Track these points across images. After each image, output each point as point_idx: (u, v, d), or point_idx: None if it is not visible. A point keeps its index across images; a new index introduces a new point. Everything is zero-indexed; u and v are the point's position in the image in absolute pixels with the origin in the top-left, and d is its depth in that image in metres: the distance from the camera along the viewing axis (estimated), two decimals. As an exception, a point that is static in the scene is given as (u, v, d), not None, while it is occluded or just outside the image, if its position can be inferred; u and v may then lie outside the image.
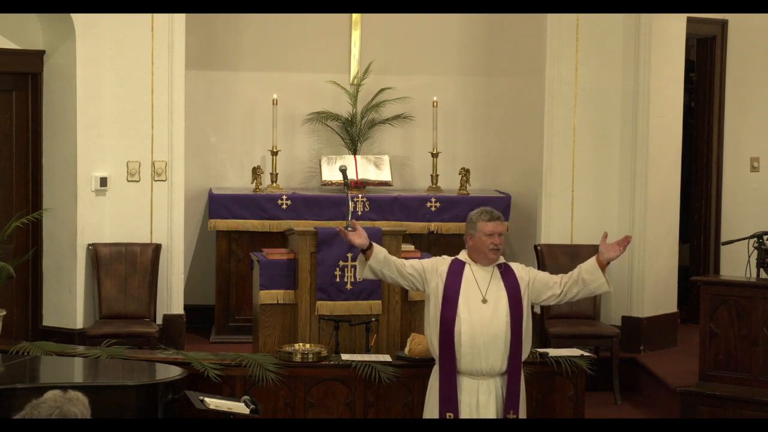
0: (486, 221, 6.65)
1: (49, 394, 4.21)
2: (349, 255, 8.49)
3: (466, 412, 6.61)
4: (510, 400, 6.60)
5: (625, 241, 6.74)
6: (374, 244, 6.81)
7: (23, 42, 9.49)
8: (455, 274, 6.66)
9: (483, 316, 6.56)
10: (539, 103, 10.08)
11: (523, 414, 6.72)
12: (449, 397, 6.60)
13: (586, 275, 6.71)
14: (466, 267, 6.69)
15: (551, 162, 9.98)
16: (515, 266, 6.77)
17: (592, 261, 6.73)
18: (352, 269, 8.52)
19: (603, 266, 6.71)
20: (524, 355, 6.70)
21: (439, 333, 6.61)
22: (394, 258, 6.83)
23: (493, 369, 6.59)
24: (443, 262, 6.76)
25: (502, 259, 6.78)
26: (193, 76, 10.28)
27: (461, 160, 10.90)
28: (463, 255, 6.75)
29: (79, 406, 4.20)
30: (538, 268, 9.60)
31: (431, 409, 6.71)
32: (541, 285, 6.73)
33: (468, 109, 11.09)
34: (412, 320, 8.66)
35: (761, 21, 10.47)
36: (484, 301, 6.61)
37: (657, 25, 9.81)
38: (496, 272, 6.69)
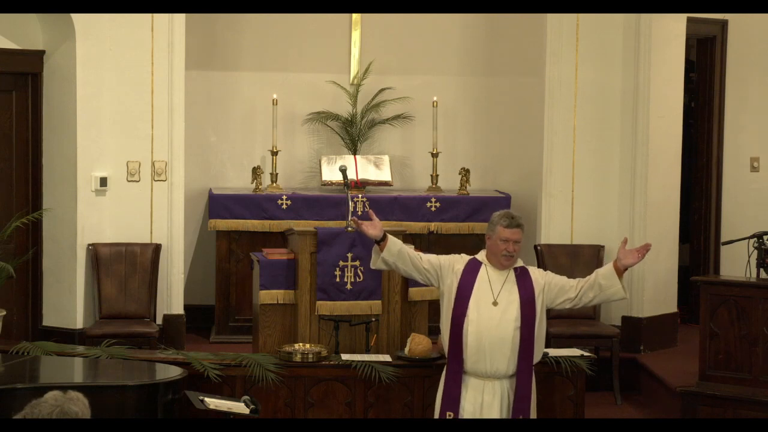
0: (504, 227, 6.62)
1: (49, 395, 4.21)
2: (349, 255, 8.49)
3: (470, 411, 6.61)
4: (519, 404, 6.58)
5: (644, 249, 6.67)
6: (389, 235, 6.79)
7: (23, 42, 9.49)
8: (470, 274, 6.65)
9: (491, 318, 6.55)
10: (539, 103, 10.08)
11: (533, 416, 6.71)
12: (452, 396, 6.59)
13: (603, 281, 6.67)
14: (482, 268, 6.67)
15: (551, 162, 9.99)
16: (533, 270, 6.76)
17: (609, 267, 6.70)
18: (353, 269, 8.51)
19: (620, 272, 6.67)
20: (536, 359, 6.69)
21: (450, 334, 6.62)
22: (410, 251, 6.80)
23: (497, 372, 6.58)
24: (460, 260, 6.75)
25: (520, 262, 6.76)
26: (193, 76, 10.28)
27: (461, 160, 10.90)
28: (481, 255, 6.75)
29: (79, 405, 4.20)
30: (539, 268, 9.63)
31: (438, 408, 6.73)
32: (557, 289, 6.71)
33: (468, 109, 11.09)
34: (412, 320, 8.65)
35: (761, 21, 10.47)
36: (495, 303, 6.58)
37: (657, 25, 9.81)
38: (512, 275, 6.67)
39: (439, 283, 6.76)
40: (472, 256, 6.77)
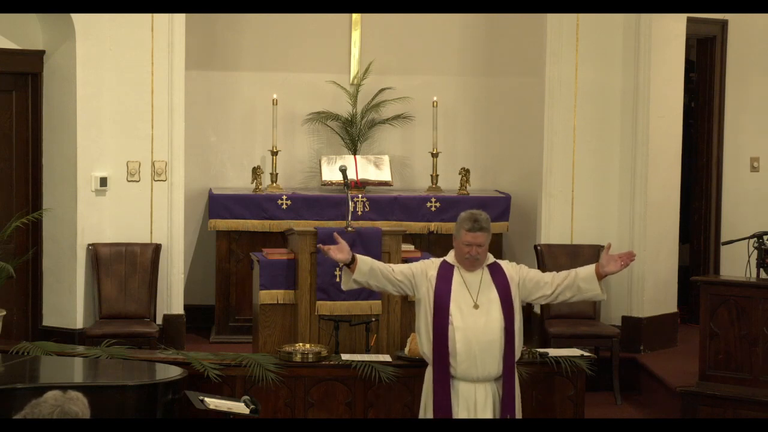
0: (467, 230, 6.49)
1: (49, 394, 4.20)
2: (349, 255, 8.48)
3: (464, 414, 6.56)
4: (506, 403, 6.56)
5: (627, 258, 6.61)
6: (358, 256, 6.63)
7: (23, 42, 9.49)
8: (445, 278, 6.54)
9: (476, 322, 6.47)
10: (539, 103, 10.08)
11: (519, 415, 6.69)
12: (443, 405, 6.52)
13: (583, 284, 6.61)
14: (455, 271, 6.57)
15: (551, 162, 9.98)
16: (505, 265, 6.66)
17: (590, 270, 6.62)
18: (352, 269, 8.51)
19: (601, 276, 6.62)
20: (517, 356, 6.65)
21: (432, 340, 6.53)
22: (381, 266, 6.67)
23: (489, 375, 6.53)
24: (432, 266, 6.63)
25: (491, 258, 6.68)
26: (193, 76, 10.28)
27: (461, 160, 10.90)
28: (451, 257, 6.64)
29: (79, 405, 4.20)
30: (538, 268, 9.61)
31: (427, 414, 6.66)
32: (532, 285, 6.63)
33: (468, 109, 11.09)
34: (412, 320, 8.59)
35: (761, 21, 10.47)
36: (476, 306, 6.51)
37: (657, 25, 9.81)
38: (486, 274, 6.57)
39: (414, 292, 6.64)
40: (442, 259, 6.65)
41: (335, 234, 6.79)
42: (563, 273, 6.69)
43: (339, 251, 6.60)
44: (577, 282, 6.62)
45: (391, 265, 6.78)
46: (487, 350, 6.48)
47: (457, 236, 6.56)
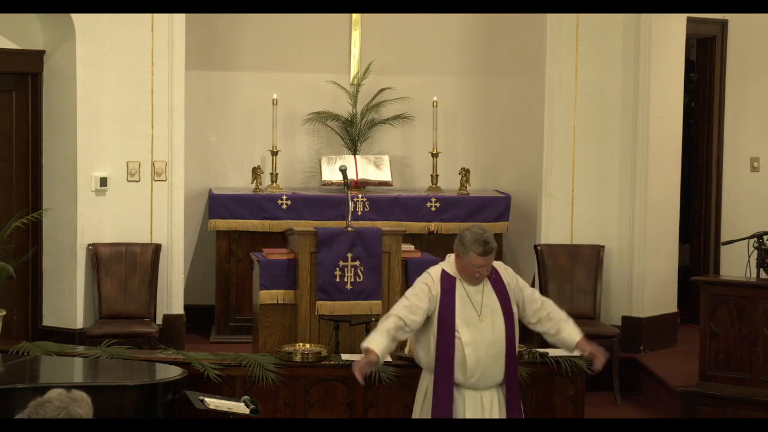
0: (478, 255, 6.39)
1: (54, 393, 4.19)
2: (349, 255, 8.49)
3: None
4: (511, 406, 6.55)
5: (598, 361, 6.72)
6: (377, 348, 6.45)
7: (23, 42, 9.49)
8: (448, 293, 6.47)
9: (484, 335, 6.45)
10: (539, 103, 10.08)
11: (523, 415, 6.70)
12: (441, 415, 6.49)
13: (560, 344, 6.74)
14: (458, 284, 6.50)
15: (551, 162, 9.98)
16: (501, 270, 6.61)
17: (573, 340, 6.68)
18: (352, 269, 8.51)
19: (579, 348, 6.71)
20: None
21: (436, 355, 6.47)
22: (395, 332, 6.49)
23: (496, 382, 6.53)
24: (433, 284, 6.52)
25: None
26: (193, 76, 10.28)
27: (461, 160, 10.90)
28: (450, 266, 6.55)
29: (84, 407, 4.19)
30: (538, 268, 9.63)
31: (422, 417, 6.63)
32: (520, 304, 6.63)
33: (468, 109, 11.09)
34: (412, 320, 8.64)
35: (761, 21, 10.47)
36: (481, 319, 6.48)
37: (657, 25, 9.81)
38: (487, 282, 6.51)
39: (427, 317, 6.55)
40: (441, 269, 6.55)
41: (362, 364, 6.54)
42: (552, 312, 6.68)
43: (370, 364, 6.52)
44: (556, 339, 6.71)
45: (401, 315, 6.51)
46: (497, 361, 6.47)
47: (463, 256, 6.45)
